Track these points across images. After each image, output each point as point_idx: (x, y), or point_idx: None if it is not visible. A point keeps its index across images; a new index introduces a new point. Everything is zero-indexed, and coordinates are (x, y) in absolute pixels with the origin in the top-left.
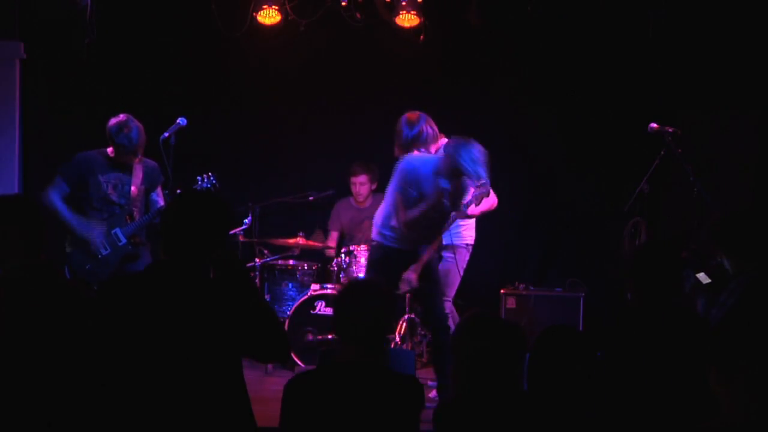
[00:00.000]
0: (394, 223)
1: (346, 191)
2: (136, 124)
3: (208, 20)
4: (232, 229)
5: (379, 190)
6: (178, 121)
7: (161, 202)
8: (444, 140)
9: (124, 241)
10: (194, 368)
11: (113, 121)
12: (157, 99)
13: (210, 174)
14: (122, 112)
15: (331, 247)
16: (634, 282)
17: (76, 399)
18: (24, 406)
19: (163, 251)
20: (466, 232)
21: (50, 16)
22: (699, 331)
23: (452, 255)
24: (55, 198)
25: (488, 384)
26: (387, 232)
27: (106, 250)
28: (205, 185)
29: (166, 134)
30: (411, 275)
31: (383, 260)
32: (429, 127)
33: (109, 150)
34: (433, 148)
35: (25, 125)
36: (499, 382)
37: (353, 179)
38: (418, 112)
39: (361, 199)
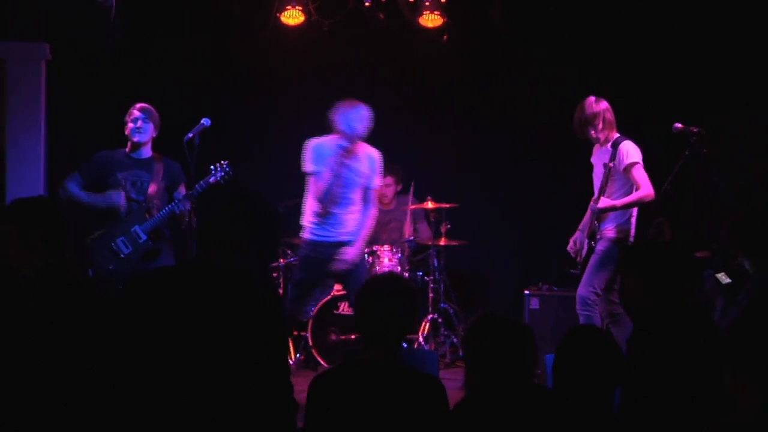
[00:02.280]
0: None
1: None
2: (150, 120)
3: (231, 21)
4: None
5: (403, 192)
6: (202, 121)
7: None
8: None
9: (144, 238)
10: (229, 370)
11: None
12: (180, 99)
13: (223, 162)
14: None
15: None
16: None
17: (93, 397)
18: (40, 406)
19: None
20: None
21: (75, 17)
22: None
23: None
24: (71, 187)
25: (497, 382)
26: None
27: (128, 248)
28: (219, 174)
29: (190, 135)
30: None
31: None
32: None
33: (128, 147)
34: None
35: (50, 126)
36: (508, 380)
37: None
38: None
39: (386, 201)
